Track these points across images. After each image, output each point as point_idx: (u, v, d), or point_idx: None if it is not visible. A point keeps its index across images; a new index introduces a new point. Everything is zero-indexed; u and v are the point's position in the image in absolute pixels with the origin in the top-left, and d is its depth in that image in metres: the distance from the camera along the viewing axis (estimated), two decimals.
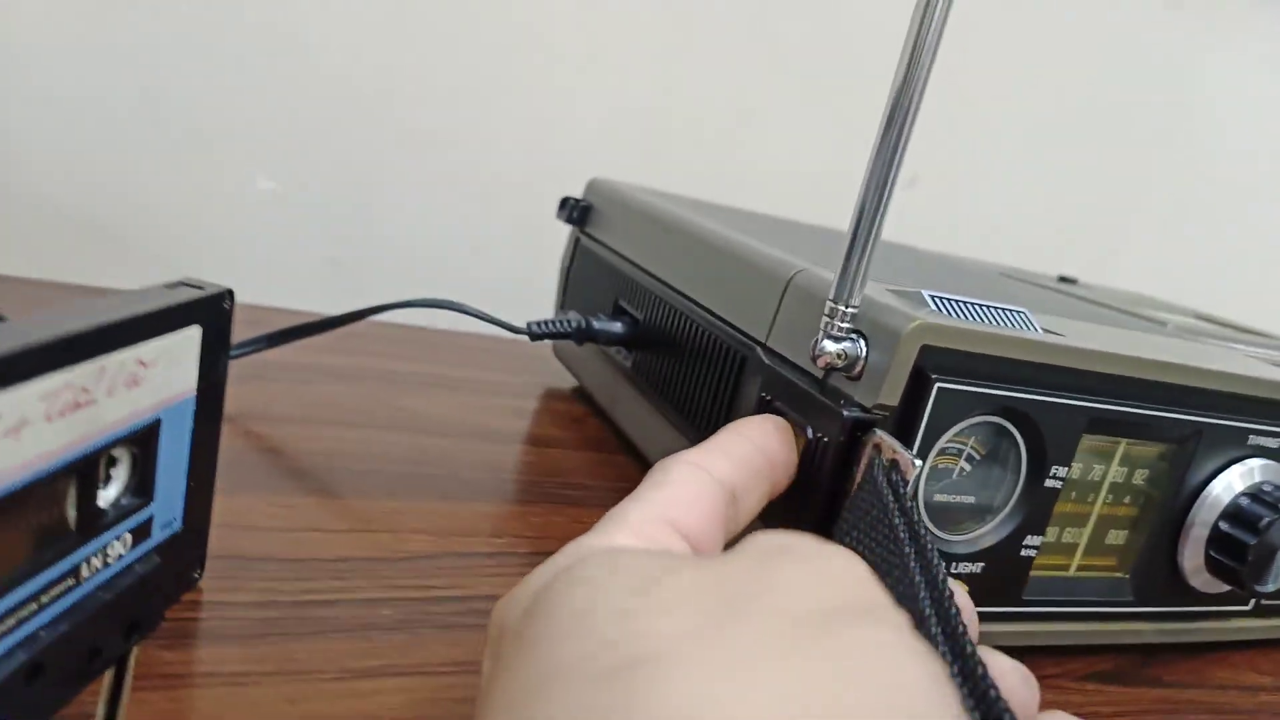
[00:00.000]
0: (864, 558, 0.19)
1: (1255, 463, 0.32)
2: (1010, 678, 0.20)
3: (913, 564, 0.19)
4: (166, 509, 0.22)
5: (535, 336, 0.40)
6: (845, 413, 0.25)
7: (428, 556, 0.29)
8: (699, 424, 0.34)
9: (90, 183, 0.57)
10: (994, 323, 0.28)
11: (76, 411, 0.18)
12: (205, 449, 0.23)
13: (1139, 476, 0.31)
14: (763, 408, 0.29)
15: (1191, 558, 0.32)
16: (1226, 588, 0.33)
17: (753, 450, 0.24)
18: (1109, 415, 0.29)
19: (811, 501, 0.26)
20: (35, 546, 0.18)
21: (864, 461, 0.24)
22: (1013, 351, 0.27)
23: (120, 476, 0.20)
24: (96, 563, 0.20)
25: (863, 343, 0.26)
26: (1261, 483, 0.31)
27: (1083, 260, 0.86)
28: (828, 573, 0.15)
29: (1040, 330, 0.29)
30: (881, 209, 0.25)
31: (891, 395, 0.25)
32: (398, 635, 0.24)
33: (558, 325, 0.40)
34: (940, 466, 0.28)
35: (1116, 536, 0.32)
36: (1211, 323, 0.55)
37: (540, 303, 0.55)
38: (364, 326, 0.46)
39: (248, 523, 0.28)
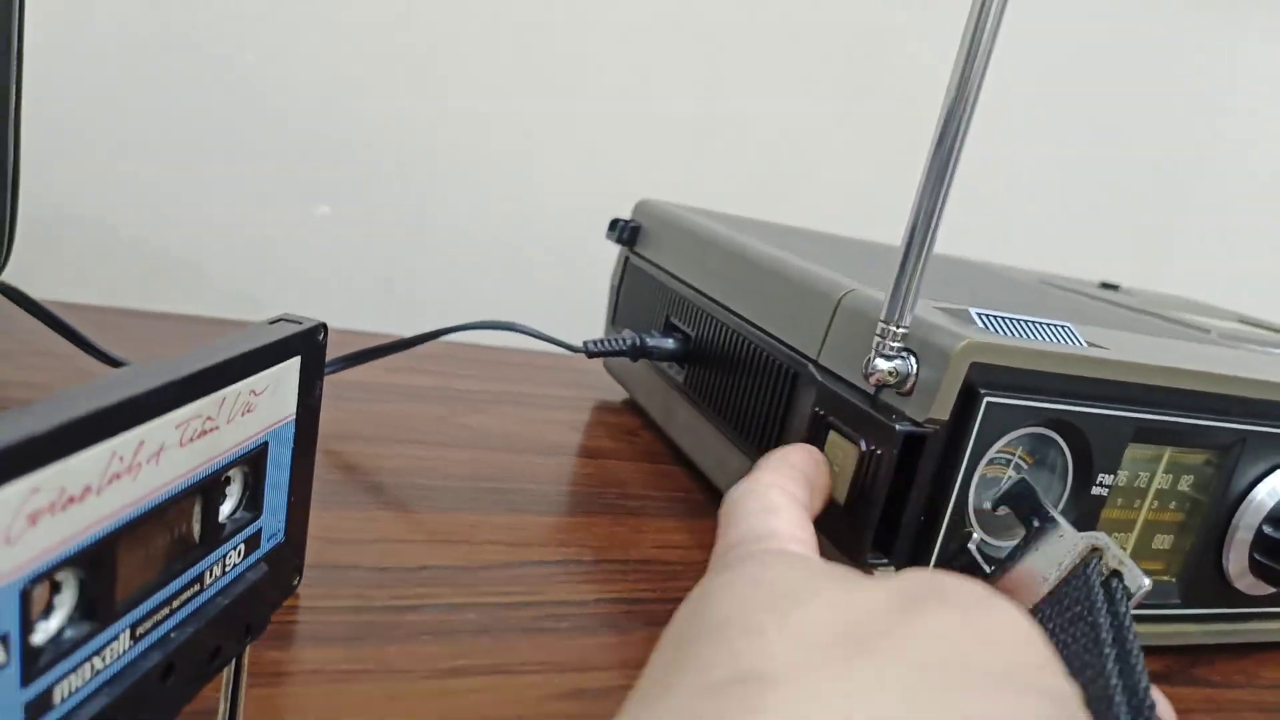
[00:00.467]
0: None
1: None
2: None
3: (1111, 665, 0.19)
4: (272, 522, 0.24)
5: (592, 354, 0.42)
6: (898, 427, 0.27)
7: (504, 565, 0.31)
8: (753, 438, 0.35)
9: (164, 214, 0.59)
10: (1040, 338, 0.29)
11: (203, 438, 0.20)
12: (303, 467, 0.25)
13: (1184, 483, 0.32)
14: (816, 422, 0.30)
15: (1236, 561, 0.33)
16: (1271, 590, 0.33)
17: (801, 477, 0.25)
18: (1154, 425, 0.30)
19: (868, 514, 0.27)
20: (168, 557, 0.20)
21: (1075, 562, 0.23)
22: (1058, 366, 0.28)
23: (234, 494, 0.22)
24: (216, 571, 0.22)
25: (914, 360, 0.27)
26: None
27: (1127, 265, 0.86)
28: (982, 626, 0.14)
29: (1084, 344, 0.30)
30: (930, 234, 0.26)
31: (942, 410, 0.27)
32: (482, 638, 0.26)
33: (613, 343, 0.42)
34: (989, 475, 0.29)
35: (1163, 541, 0.33)
36: (1255, 326, 0.56)
37: (587, 319, 0.57)
38: (424, 346, 0.48)
39: (336, 535, 0.30)
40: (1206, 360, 0.32)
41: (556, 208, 0.66)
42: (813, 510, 0.25)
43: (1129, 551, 0.32)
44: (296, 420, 0.24)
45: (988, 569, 0.25)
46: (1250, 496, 0.32)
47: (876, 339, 0.27)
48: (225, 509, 0.22)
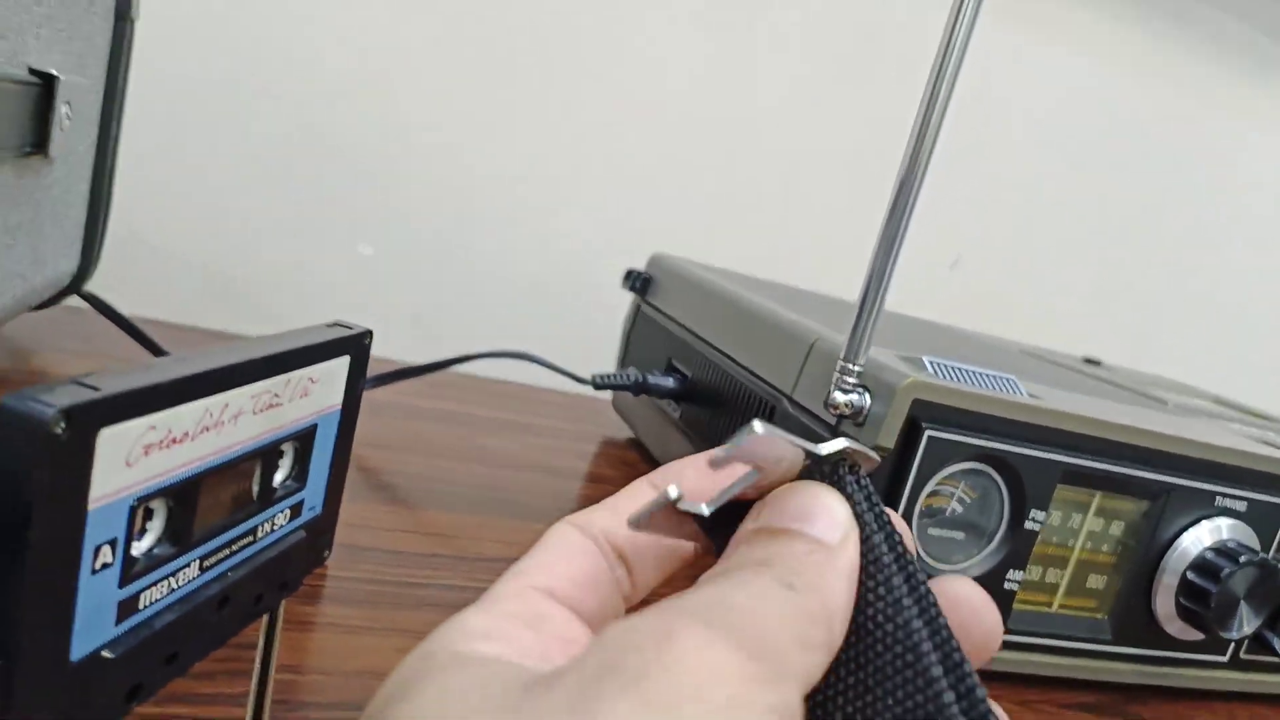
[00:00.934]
0: None
1: (1223, 521, 0.36)
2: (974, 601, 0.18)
3: (886, 554, 0.17)
4: (313, 495, 0.28)
5: (598, 386, 0.47)
6: None
7: (501, 559, 0.35)
8: None
9: (225, 246, 0.65)
10: (983, 386, 0.33)
11: (269, 410, 0.24)
12: (342, 453, 0.29)
13: (1115, 528, 0.36)
14: None
15: (1164, 604, 0.36)
16: (1200, 635, 0.37)
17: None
18: (1082, 469, 0.33)
19: None
20: (234, 506, 0.24)
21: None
22: (994, 409, 0.32)
23: (286, 465, 0.27)
24: (267, 528, 0.26)
25: (867, 395, 0.31)
26: (1227, 539, 0.36)
27: (1122, 344, 0.89)
28: (666, 701, 0.13)
29: (1025, 394, 0.34)
30: (883, 285, 0.30)
31: (888, 439, 0.31)
32: None
33: (618, 378, 0.47)
34: (934, 505, 0.33)
35: (1096, 581, 0.36)
36: (1225, 405, 0.59)
37: (599, 359, 0.61)
38: (448, 377, 0.53)
39: (359, 522, 0.35)
40: (1138, 417, 0.36)
41: (576, 256, 0.72)
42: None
43: (1063, 588, 0.36)
44: (342, 411, 0.29)
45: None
46: (1176, 544, 0.36)
47: (836, 375, 0.31)
48: (278, 476, 0.27)
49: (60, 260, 0.42)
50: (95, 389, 0.18)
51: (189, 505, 0.22)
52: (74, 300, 0.45)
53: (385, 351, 0.68)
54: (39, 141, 0.36)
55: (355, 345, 0.28)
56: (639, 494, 0.21)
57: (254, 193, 0.65)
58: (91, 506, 0.19)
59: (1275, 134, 0.88)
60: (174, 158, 0.62)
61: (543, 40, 0.66)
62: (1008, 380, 0.34)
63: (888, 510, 0.18)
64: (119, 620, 0.20)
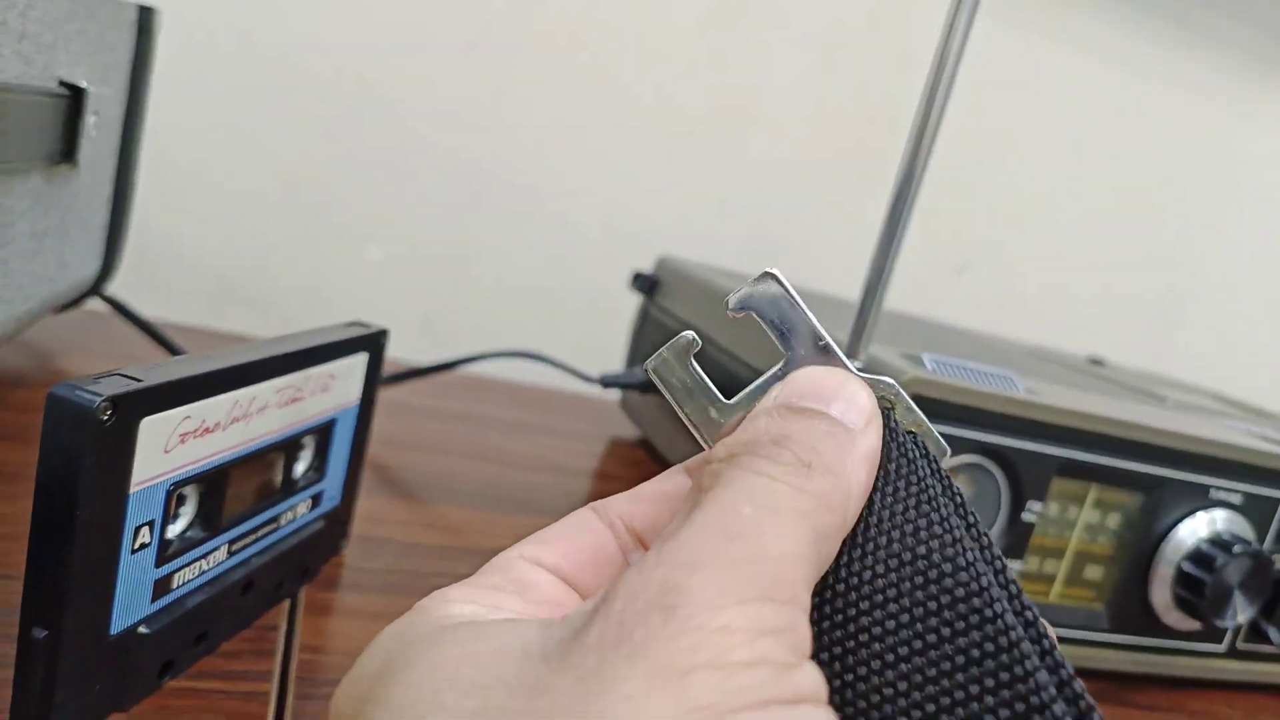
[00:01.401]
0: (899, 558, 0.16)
1: (1218, 513, 0.37)
2: None
3: (971, 550, 0.15)
4: (332, 487, 0.30)
5: (607, 385, 0.48)
6: None
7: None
8: None
9: (239, 250, 0.67)
10: (980, 382, 0.34)
11: (291, 405, 0.26)
12: (360, 447, 0.31)
13: (1112, 519, 0.36)
14: None
15: (1160, 594, 0.37)
16: (1196, 625, 0.38)
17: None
18: (1078, 463, 0.34)
19: None
20: (259, 495, 0.26)
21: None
22: (989, 404, 0.33)
23: (307, 457, 0.28)
24: (289, 516, 0.27)
25: None
26: (1222, 530, 0.36)
27: (1131, 346, 0.90)
28: (679, 671, 0.13)
29: (1022, 390, 0.35)
30: (883, 282, 0.31)
31: None
32: None
33: (626, 378, 0.48)
34: None
35: (1094, 571, 0.37)
36: (1226, 403, 0.60)
37: (610, 360, 0.62)
38: (458, 378, 0.54)
39: (375, 516, 0.36)
40: (1134, 412, 0.37)
41: (585, 258, 0.73)
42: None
43: (1060, 578, 0.36)
44: (360, 407, 0.30)
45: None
46: (1172, 535, 0.37)
47: None
48: (299, 468, 0.28)
49: (83, 264, 0.43)
50: (138, 380, 0.20)
51: (219, 492, 0.23)
52: (95, 303, 0.47)
53: (396, 353, 0.69)
54: (68, 151, 0.37)
55: (372, 343, 0.29)
56: (647, 484, 0.20)
57: (268, 197, 0.66)
58: (133, 490, 0.20)
59: (1276, 132, 0.89)
60: (191, 162, 0.64)
61: (551, 42, 0.67)
62: (1005, 377, 0.35)
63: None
64: (154, 598, 0.22)
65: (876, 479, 0.17)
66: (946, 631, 0.15)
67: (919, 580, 0.15)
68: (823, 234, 0.78)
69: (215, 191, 0.65)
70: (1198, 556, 0.36)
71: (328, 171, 0.67)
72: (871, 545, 0.16)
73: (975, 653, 0.14)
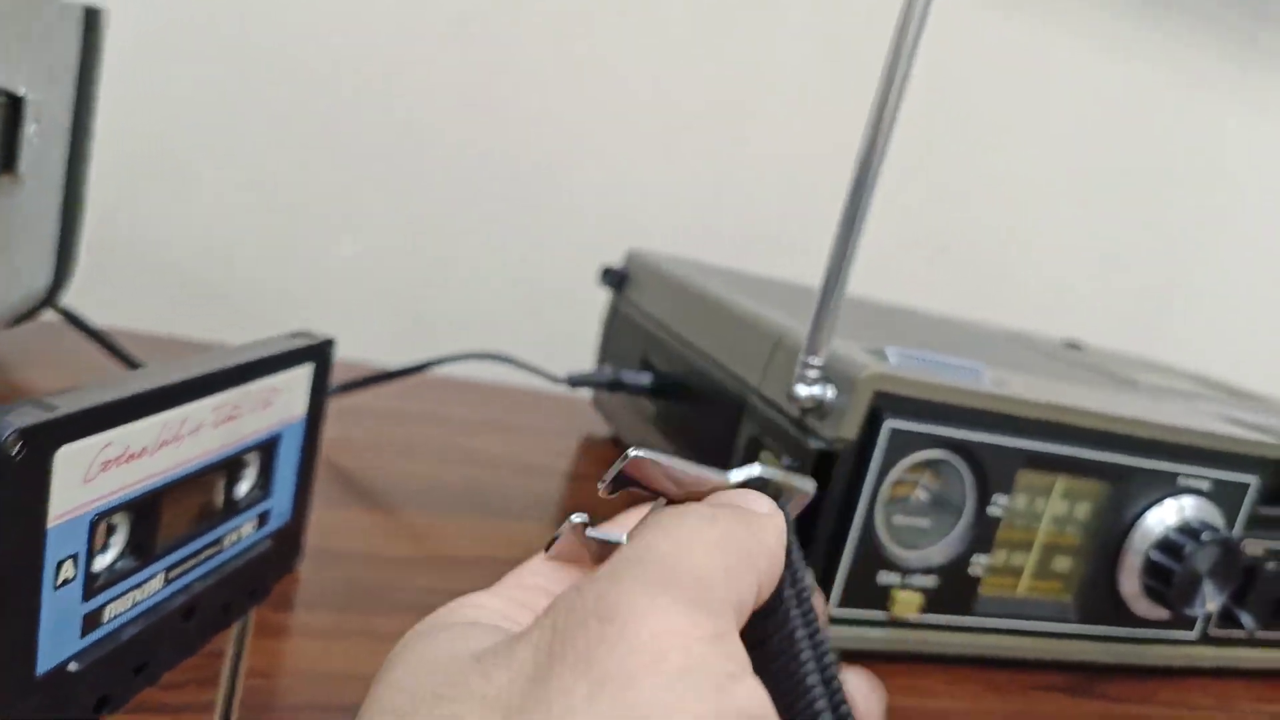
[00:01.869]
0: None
1: (1187, 500, 0.37)
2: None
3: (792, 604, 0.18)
4: (281, 504, 0.29)
5: (574, 384, 0.47)
6: (812, 443, 0.31)
7: (472, 560, 0.36)
8: (707, 461, 0.40)
9: (203, 249, 0.66)
10: (946, 375, 0.34)
11: (229, 422, 0.25)
12: (308, 461, 0.30)
13: (1080, 510, 0.36)
14: (752, 446, 0.35)
15: (1129, 583, 0.37)
16: (1166, 613, 0.37)
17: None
18: (1044, 454, 0.34)
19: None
20: (197, 518, 0.25)
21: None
22: (955, 398, 0.32)
23: (251, 475, 0.27)
24: (233, 538, 0.27)
25: (830, 388, 0.32)
26: (1190, 518, 0.36)
27: (1118, 330, 0.90)
28: (621, 678, 0.13)
29: (988, 382, 0.34)
30: (842, 277, 0.31)
31: (850, 430, 0.31)
32: None
33: (593, 376, 0.47)
34: (900, 494, 0.33)
35: (1062, 563, 0.37)
36: (1204, 385, 0.60)
37: (584, 356, 0.62)
38: (428, 379, 0.53)
39: (333, 528, 0.35)
40: (1102, 400, 0.36)
41: (559, 253, 0.72)
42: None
43: (1028, 570, 0.36)
44: (307, 420, 0.29)
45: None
46: (1139, 524, 0.36)
47: (798, 368, 0.32)
48: (242, 487, 0.27)
49: (34, 275, 0.42)
50: (52, 408, 0.19)
51: (151, 519, 0.23)
52: (50, 314, 0.46)
53: (370, 352, 0.68)
54: (7, 161, 0.36)
55: (318, 354, 0.28)
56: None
57: (232, 197, 0.65)
58: (51, 524, 0.19)
59: (1262, 116, 0.89)
60: (150, 163, 0.63)
61: (541, 33, 0.66)
62: (972, 368, 0.35)
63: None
64: (84, 633, 0.21)
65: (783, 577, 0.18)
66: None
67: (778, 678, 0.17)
68: (817, 228, 0.77)
69: (177, 191, 0.64)
70: (1165, 545, 0.36)
71: (295, 169, 0.66)
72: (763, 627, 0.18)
73: None
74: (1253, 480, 0.38)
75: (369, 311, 0.70)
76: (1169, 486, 0.36)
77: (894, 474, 0.32)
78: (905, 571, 0.33)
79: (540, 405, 0.59)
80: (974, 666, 0.36)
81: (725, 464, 0.37)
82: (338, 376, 0.47)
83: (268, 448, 0.27)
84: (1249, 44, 0.86)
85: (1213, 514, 0.37)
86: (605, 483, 0.19)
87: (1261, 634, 0.41)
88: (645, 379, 0.47)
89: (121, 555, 0.22)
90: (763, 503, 0.19)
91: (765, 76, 0.73)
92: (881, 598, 0.33)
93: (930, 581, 0.34)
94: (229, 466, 0.26)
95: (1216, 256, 0.92)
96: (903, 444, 0.32)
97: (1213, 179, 0.90)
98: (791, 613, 0.18)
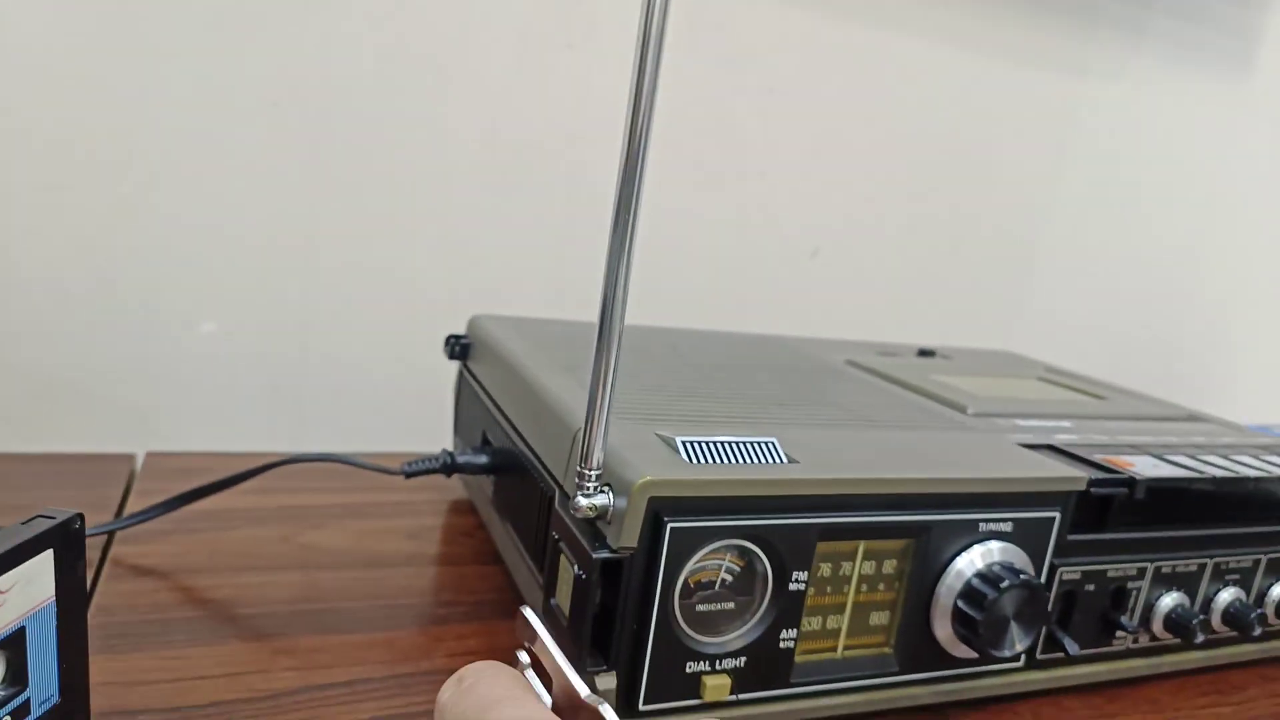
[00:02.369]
0: None
1: (993, 544, 0.38)
2: None
3: None
4: (42, 689, 0.28)
5: (409, 475, 0.47)
6: (594, 555, 0.31)
7: (293, 692, 0.35)
8: (534, 556, 0.40)
9: (47, 346, 0.63)
10: (738, 458, 0.34)
11: None
12: (72, 636, 0.29)
13: (888, 566, 0.37)
14: (553, 547, 0.35)
15: (942, 630, 0.37)
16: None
17: None
18: (839, 526, 0.35)
19: (580, 628, 0.32)
20: None
21: None
22: (738, 490, 0.33)
23: None
24: None
25: (610, 495, 0.32)
26: (995, 562, 0.37)
27: (985, 328, 0.92)
28: None
29: (783, 459, 0.35)
30: (608, 386, 0.31)
31: (630, 538, 0.31)
32: None
33: (428, 463, 0.47)
34: (702, 580, 0.33)
35: (880, 617, 0.37)
36: (1052, 381, 0.61)
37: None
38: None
39: (135, 679, 0.34)
40: (892, 463, 0.37)
41: (436, 313, 0.71)
42: None
43: (844, 631, 0.37)
44: (58, 601, 0.28)
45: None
46: (947, 572, 0.37)
47: (576, 480, 0.32)
48: None
49: None
50: None
51: None
52: None
53: (245, 431, 0.67)
54: None
55: (60, 535, 0.28)
56: None
57: (71, 286, 0.63)
58: None
59: (1113, 87, 0.91)
60: None
61: (363, 94, 0.65)
62: (768, 445, 0.35)
63: None
64: None
65: None
66: None
67: None
68: (665, 257, 0.77)
69: (14, 286, 0.62)
70: (969, 594, 0.36)
71: (137, 245, 0.64)
72: None
73: None
74: (1055, 514, 0.39)
75: (233, 387, 0.69)
76: (972, 533, 0.37)
77: (687, 570, 0.32)
78: (713, 658, 0.34)
79: (398, 481, 0.58)
80: None
81: (545, 559, 0.37)
82: (191, 476, 0.46)
83: (12, 642, 0.27)
84: (1089, 14, 0.88)
85: (1018, 555, 0.38)
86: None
87: (1087, 650, 0.42)
88: (482, 459, 0.47)
89: None
90: None
91: (593, 101, 0.72)
92: (693, 686, 0.34)
93: (740, 662, 0.34)
94: None
95: (1058, 249, 0.94)
96: (689, 542, 0.32)
97: (1056, 164, 0.92)
98: None
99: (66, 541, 0.28)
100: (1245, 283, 1.06)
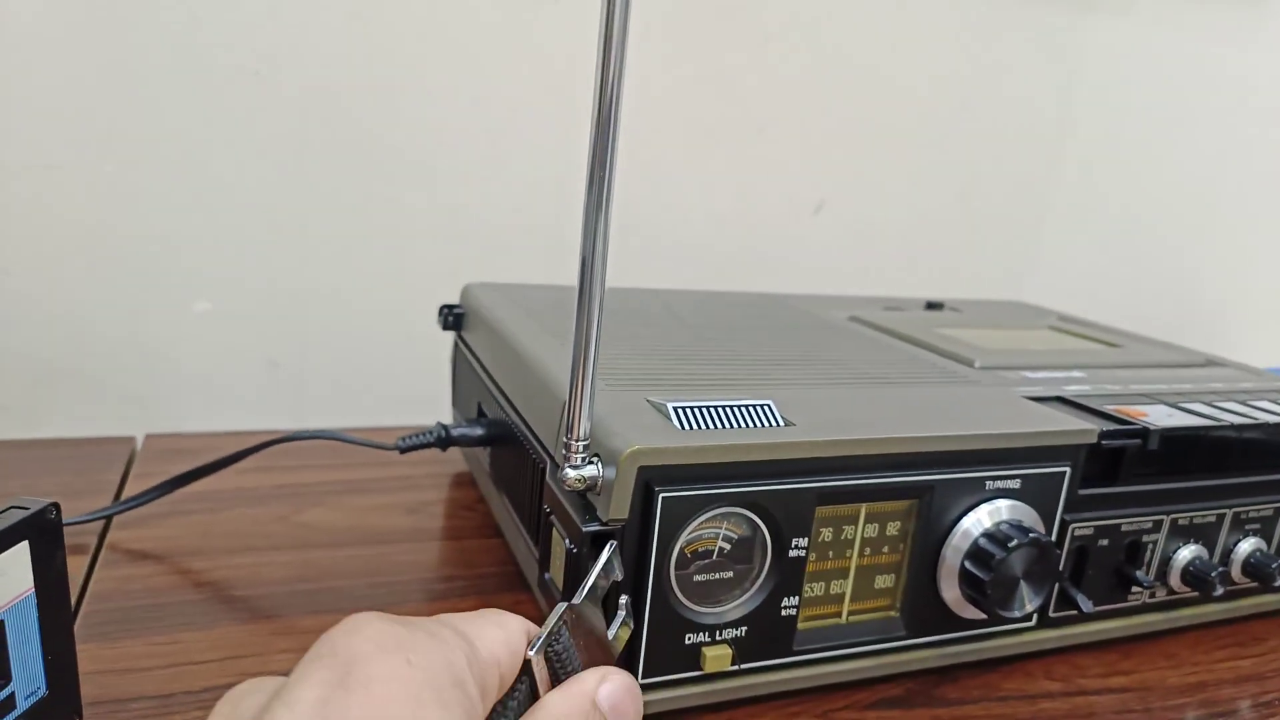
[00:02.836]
0: None
1: (1001, 503, 0.36)
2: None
3: None
4: (28, 682, 0.28)
5: (404, 450, 0.46)
6: (584, 528, 0.30)
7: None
8: (528, 528, 0.39)
9: (43, 330, 0.63)
10: (735, 423, 0.33)
11: None
12: (56, 626, 0.28)
13: (891, 528, 0.36)
14: (545, 521, 0.34)
15: (949, 591, 0.36)
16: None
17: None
18: (839, 489, 0.33)
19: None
20: None
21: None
22: (732, 455, 0.31)
23: None
24: None
25: (599, 465, 0.31)
26: (1001, 522, 0.36)
27: (997, 280, 0.90)
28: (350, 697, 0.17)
29: (780, 421, 0.34)
30: (590, 359, 0.29)
31: (620, 510, 0.30)
32: None
33: (423, 437, 0.46)
34: (699, 550, 0.33)
35: (885, 580, 0.36)
36: (1064, 330, 0.60)
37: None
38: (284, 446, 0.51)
39: (127, 666, 0.34)
40: (893, 423, 0.35)
41: (433, 281, 0.70)
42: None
43: (848, 596, 0.36)
44: (37, 592, 0.27)
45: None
46: (954, 533, 0.36)
47: (562, 451, 0.31)
48: None
49: None
50: None
51: None
52: None
53: (244, 408, 0.66)
54: None
55: (35, 525, 0.27)
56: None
57: (66, 268, 0.62)
58: None
59: (1121, 21, 0.88)
60: None
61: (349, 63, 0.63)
62: (763, 408, 0.34)
63: None
64: None
65: None
66: None
67: None
68: (666, 213, 0.75)
69: (3, 268, 0.61)
70: (976, 555, 0.35)
71: (134, 225, 0.63)
72: None
73: None
74: (1065, 469, 0.37)
75: (229, 364, 0.68)
76: (979, 492, 0.36)
77: (681, 540, 0.32)
78: (712, 628, 0.33)
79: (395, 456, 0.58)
80: (804, 697, 0.36)
81: (538, 532, 0.36)
82: (188, 458, 0.46)
83: None
84: None
85: (1027, 513, 0.37)
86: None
87: (1102, 607, 0.41)
88: (478, 431, 0.46)
89: None
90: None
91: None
92: (693, 658, 0.33)
93: (740, 632, 0.33)
94: None
95: (1076, 193, 0.92)
96: (682, 511, 0.31)
97: (1062, 109, 0.89)
98: None
99: (42, 532, 0.27)
100: (1262, 223, 1.03)
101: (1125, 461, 0.39)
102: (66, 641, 0.29)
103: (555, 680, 0.23)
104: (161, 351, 0.66)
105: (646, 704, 0.32)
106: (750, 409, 0.34)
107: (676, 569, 0.32)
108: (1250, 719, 0.38)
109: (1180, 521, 0.41)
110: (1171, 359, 0.54)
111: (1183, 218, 0.98)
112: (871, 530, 0.35)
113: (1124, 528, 0.40)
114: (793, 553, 0.33)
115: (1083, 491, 0.39)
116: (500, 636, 0.22)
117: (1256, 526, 0.43)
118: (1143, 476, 0.40)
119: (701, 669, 0.33)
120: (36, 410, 0.64)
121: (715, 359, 0.43)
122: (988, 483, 0.36)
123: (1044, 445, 0.37)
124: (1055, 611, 0.40)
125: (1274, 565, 0.42)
